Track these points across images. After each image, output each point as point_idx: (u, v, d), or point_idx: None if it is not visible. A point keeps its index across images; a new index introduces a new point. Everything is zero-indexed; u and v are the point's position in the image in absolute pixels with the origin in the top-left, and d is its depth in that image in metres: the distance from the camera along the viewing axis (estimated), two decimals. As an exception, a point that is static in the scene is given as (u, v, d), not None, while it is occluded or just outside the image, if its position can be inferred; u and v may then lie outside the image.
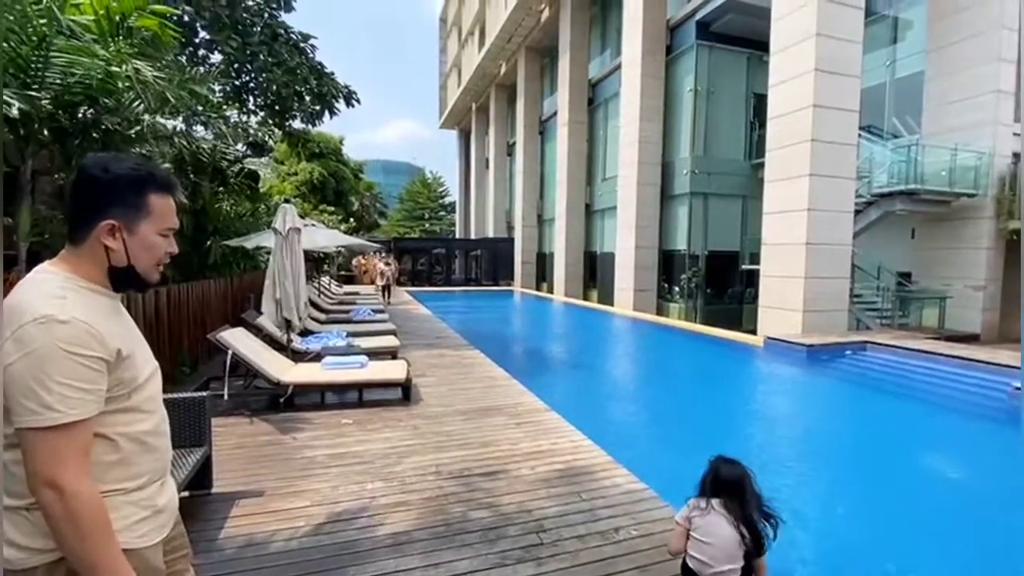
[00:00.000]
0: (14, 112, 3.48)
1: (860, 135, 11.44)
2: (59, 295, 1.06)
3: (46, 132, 4.32)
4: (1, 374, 1.01)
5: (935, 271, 12.69)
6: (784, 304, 10.97)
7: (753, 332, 11.51)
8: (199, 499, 3.18)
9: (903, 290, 12.90)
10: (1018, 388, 6.84)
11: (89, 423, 1.06)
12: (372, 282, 22.72)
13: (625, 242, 17.23)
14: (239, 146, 9.10)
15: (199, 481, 3.22)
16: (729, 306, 16.26)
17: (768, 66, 11.70)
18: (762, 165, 12.35)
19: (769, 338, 10.33)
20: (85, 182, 1.15)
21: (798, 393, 8.41)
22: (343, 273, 25.71)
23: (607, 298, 18.93)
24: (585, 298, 21.55)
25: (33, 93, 3.79)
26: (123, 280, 1.19)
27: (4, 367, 1.00)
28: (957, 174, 11.78)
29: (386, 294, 18.75)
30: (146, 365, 1.22)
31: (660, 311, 16.79)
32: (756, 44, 15.19)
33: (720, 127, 16.09)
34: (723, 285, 16.61)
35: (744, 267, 15.76)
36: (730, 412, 7.26)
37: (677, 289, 16.64)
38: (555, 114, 23.75)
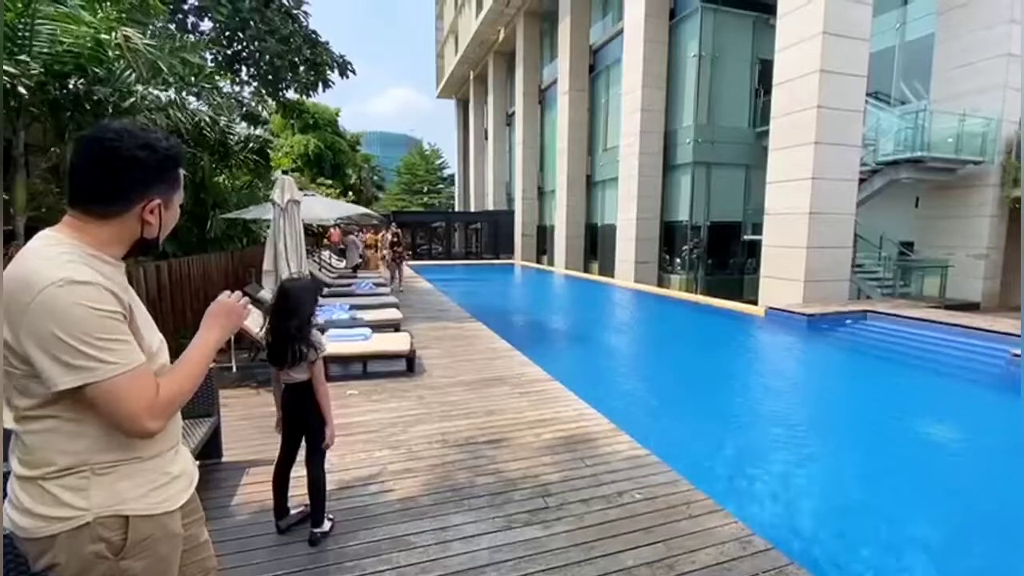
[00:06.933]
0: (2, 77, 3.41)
1: (867, 101, 11.20)
2: (69, 259, 1.05)
3: (38, 103, 4.23)
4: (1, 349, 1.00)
5: (938, 240, 12.62)
6: (786, 274, 10.96)
7: (754, 303, 11.53)
8: (210, 467, 3.24)
9: (905, 259, 12.86)
10: (1017, 355, 6.89)
11: (145, 367, 1.10)
12: (378, 266, 18.66)
13: (626, 213, 17.08)
14: (235, 117, 8.88)
15: (210, 450, 3.28)
16: (731, 277, 16.23)
17: (775, 30, 11.37)
18: (767, 133, 12.15)
19: (770, 308, 10.35)
20: (126, 161, 1.11)
21: (798, 361, 8.48)
22: (343, 247, 25.54)
23: (608, 270, 18.89)
24: (586, 271, 21.50)
25: (22, 58, 3.70)
26: (143, 248, 1.21)
27: (33, 332, 0.99)
28: (964, 141, 11.58)
29: (393, 273, 14.24)
30: (153, 337, 1.21)
31: (661, 283, 16.76)
32: (763, 7, 14.72)
33: (724, 94, 15.73)
34: (725, 256, 16.54)
35: (746, 238, 15.66)
36: (730, 381, 7.34)
37: (678, 260, 16.58)
38: (555, 82, 23.19)
